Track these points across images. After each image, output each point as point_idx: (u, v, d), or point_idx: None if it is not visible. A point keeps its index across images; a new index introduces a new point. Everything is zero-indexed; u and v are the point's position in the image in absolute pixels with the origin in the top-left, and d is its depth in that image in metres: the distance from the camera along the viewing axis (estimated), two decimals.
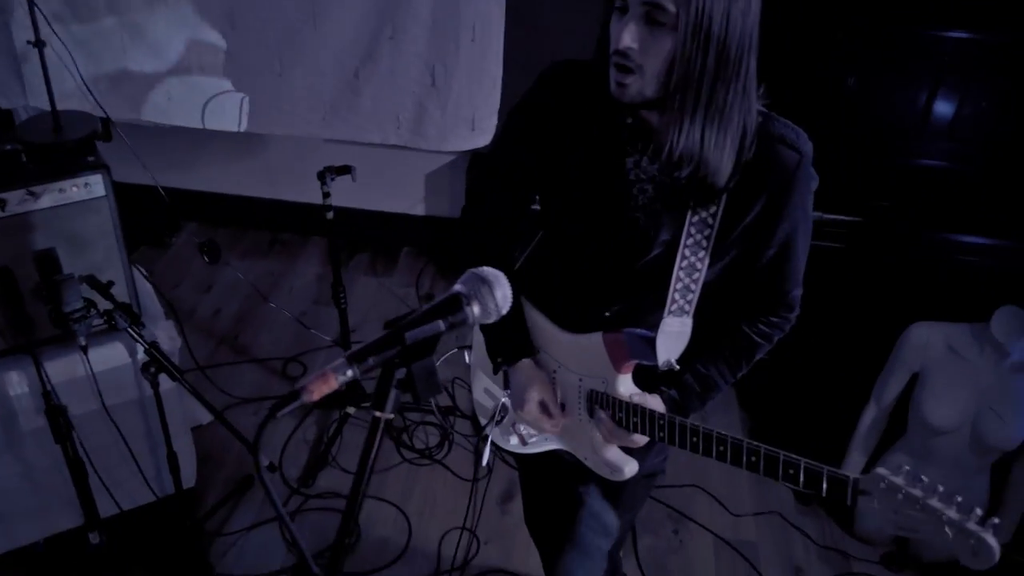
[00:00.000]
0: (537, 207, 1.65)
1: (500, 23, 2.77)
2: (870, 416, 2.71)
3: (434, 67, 2.88)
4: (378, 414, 0.99)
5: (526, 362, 1.66)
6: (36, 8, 2.26)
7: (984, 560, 1.09)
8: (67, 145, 2.25)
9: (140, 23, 2.97)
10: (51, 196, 2.16)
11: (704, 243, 1.44)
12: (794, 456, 1.29)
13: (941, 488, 1.14)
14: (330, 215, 2.84)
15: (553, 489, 1.80)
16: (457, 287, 1.05)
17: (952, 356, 2.47)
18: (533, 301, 1.68)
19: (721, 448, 1.38)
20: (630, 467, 1.61)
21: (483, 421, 1.87)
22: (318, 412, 3.26)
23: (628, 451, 1.63)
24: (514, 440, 1.80)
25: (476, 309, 1.03)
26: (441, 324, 0.99)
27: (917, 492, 1.15)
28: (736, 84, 1.30)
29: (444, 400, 3.27)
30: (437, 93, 2.93)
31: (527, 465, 1.95)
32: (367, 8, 2.82)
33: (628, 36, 1.27)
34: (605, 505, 1.77)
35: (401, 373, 0.98)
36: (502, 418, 1.79)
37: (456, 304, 1.02)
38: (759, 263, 1.51)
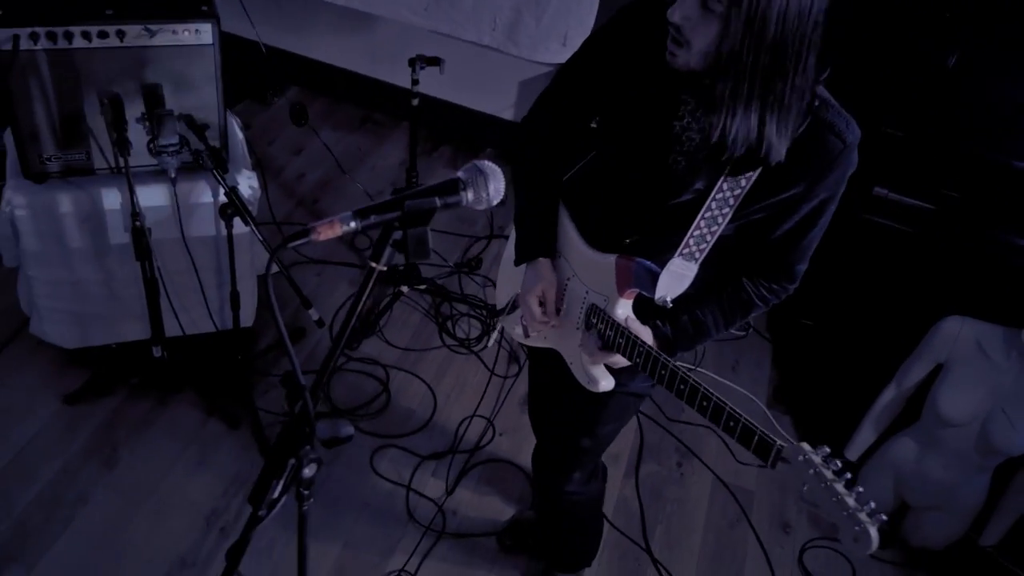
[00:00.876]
0: (595, 126, 1.76)
1: None
2: (888, 396, 2.77)
3: None
4: (373, 264, 1.15)
5: (544, 261, 1.79)
6: None
7: (862, 547, 1.20)
8: None
9: None
10: (164, 36, 2.34)
11: (731, 201, 1.52)
12: (739, 412, 1.40)
13: (848, 475, 1.25)
14: (415, 102, 2.98)
15: (551, 382, 1.95)
16: (459, 173, 1.19)
17: (979, 354, 2.50)
18: (570, 212, 1.80)
19: (682, 387, 1.50)
20: (605, 382, 1.74)
21: (500, 307, 2.03)
22: (376, 286, 3.46)
23: (612, 371, 1.75)
24: (518, 330, 1.95)
25: (470, 195, 1.18)
26: (437, 200, 1.14)
27: (827, 472, 1.25)
28: (795, 77, 1.35)
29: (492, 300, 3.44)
30: (536, 3, 2.98)
31: (535, 356, 2.10)
32: None
33: (678, 13, 1.34)
34: (592, 408, 1.91)
35: (398, 235, 1.13)
36: (514, 308, 1.94)
37: (453, 187, 1.17)
38: (776, 233, 1.59)
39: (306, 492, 1.19)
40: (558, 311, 1.82)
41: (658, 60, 1.48)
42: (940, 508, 2.68)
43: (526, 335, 1.93)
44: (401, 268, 3.42)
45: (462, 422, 3.00)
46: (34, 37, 2.22)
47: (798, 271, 1.66)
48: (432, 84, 3.69)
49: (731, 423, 1.42)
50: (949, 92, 2.84)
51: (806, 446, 1.29)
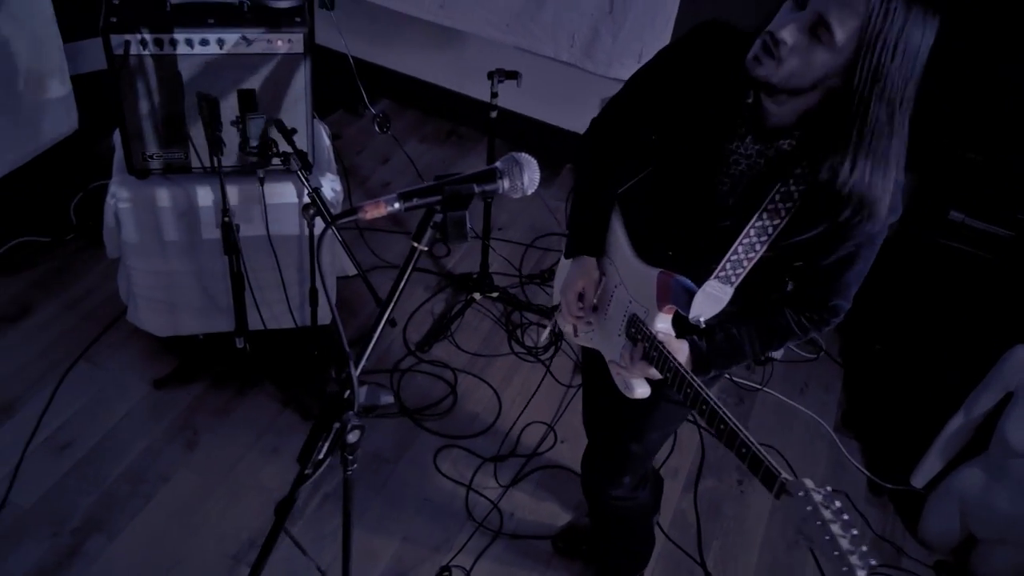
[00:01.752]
0: (654, 138, 1.81)
1: None
2: (956, 424, 2.71)
3: None
4: (415, 244, 1.24)
5: (589, 259, 1.86)
6: None
7: None
8: (282, 4, 2.57)
9: None
10: (260, 45, 2.50)
11: (770, 230, 1.55)
12: (752, 440, 1.43)
13: (846, 517, 1.27)
14: (494, 114, 3.08)
15: (601, 384, 2.00)
16: (497, 164, 1.27)
17: None
18: (624, 220, 1.86)
19: (704, 407, 1.54)
20: (641, 390, 1.78)
21: (555, 303, 2.09)
22: (449, 291, 3.58)
23: (651, 381, 1.79)
24: (568, 328, 2.02)
25: (506, 183, 1.26)
26: (475, 187, 1.23)
27: (824, 512, 1.27)
28: (901, 133, 1.38)
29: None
30: (612, 21, 3.06)
31: (587, 358, 2.16)
32: None
33: (788, 32, 1.34)
34: (638, 413, 1.95)
35: (438, 218, 1.21)
36: None
37: (491, 175, 1.26)
38: (813, 268, 1.61)
39: (350, 457, 1.27)
40: (595, 309, 1.88)
41: (723, 83, 1.53)
42: (1007, 541, 2.60)
43: (575, 333, 2.00)
44: (475, 276, 3.53)
45: (525, 427, 3.06)
46: (143, 43, 2.41)
47: (838, 306, 1.67)
48: (513, 99, 3.79)
49: (743, 450, 1.46)
50: None
51: (808, 482, 1.31)
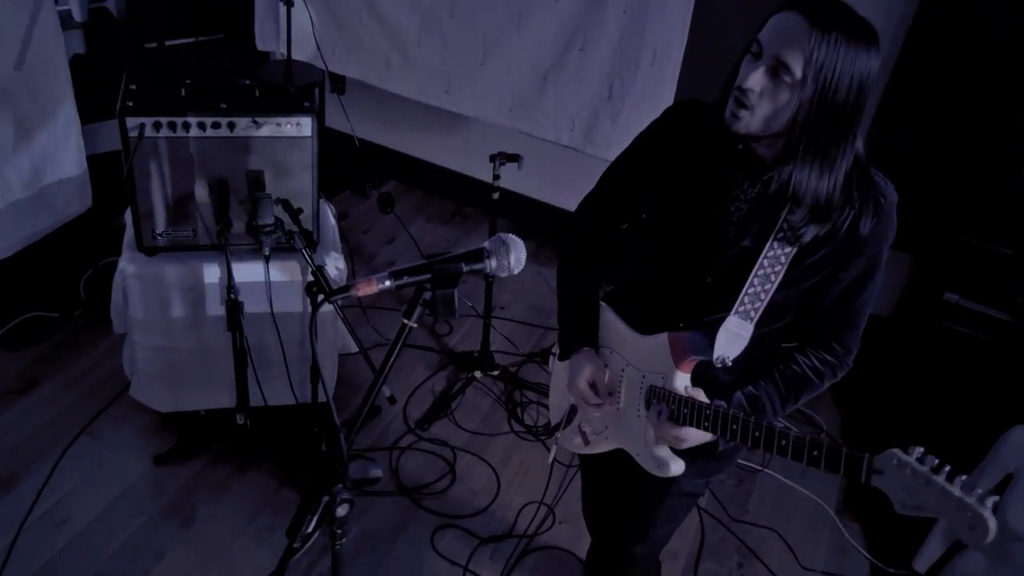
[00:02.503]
0: (641, 217, 1.86)
1: (680, 52, 2.96)
2: None
3: (613, 82, 3.11)
4: (405, 321, 1.28)
5: (587, 350, 1.87)
6: None
7: (979, 535, 1.14)
8: (292, 89, 2.68)
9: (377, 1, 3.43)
10: (269, 128, 2.60)
11: (783, 259, 1.59)
12: (819, 439, 1.40)
13: (948, 467, 1.21)
14: (496, 195, 3.16)
15: (605, 489, 1.99)
16: (485, 244, 1.32)
17: None
18: (615, 306, 1.88)
19: (756, 434, 1.49)
20: (676, 465, 1.74)
21: (554, 422, 2.09)
22: (451, 369, 3.60)
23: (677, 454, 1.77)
24: (577, 440, 1.99)
25: (493, 263, 1.31)
26: (463, 266, 1.28)
27: (924, 468, 1.21)
28: (846, 144, 1.49)
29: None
30: (611, 106, 3.17)
31: (588, 463, 2.15)
32: (565, 21, 3.10)
33: (753, 80, 1.46)
34: (646, 512, 1.94)
35: (428, 295, 1.25)
36: (570, 420, 2.01)
37: (479, 255, 1.31)
38: (827, 299, 1.64)
39: (339, 531, 1.29)
40: (611, 394, 1.86)
41: (706, 144, 1.61)
42: None
43: (585, 442, 1.97)
44: (476, 354, 3.56)
45: (522, 508, 3.04)
46: (157, 126, 2.51)
47: (847, 340, 1.69)
48: (516, 180, 3.89)
49: (814, 452, 1.40)
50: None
51: (896, 450, 1.27)
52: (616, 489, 1.90)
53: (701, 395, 1.65)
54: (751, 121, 1.49)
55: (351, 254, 4.04)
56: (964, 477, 1.19)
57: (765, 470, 3.29)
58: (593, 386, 1.85)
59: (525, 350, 3.75)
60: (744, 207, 1.60)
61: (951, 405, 2.87)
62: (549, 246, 4.40)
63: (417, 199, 4.69)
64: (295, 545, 1.27)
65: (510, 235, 1.36)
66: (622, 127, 3.17)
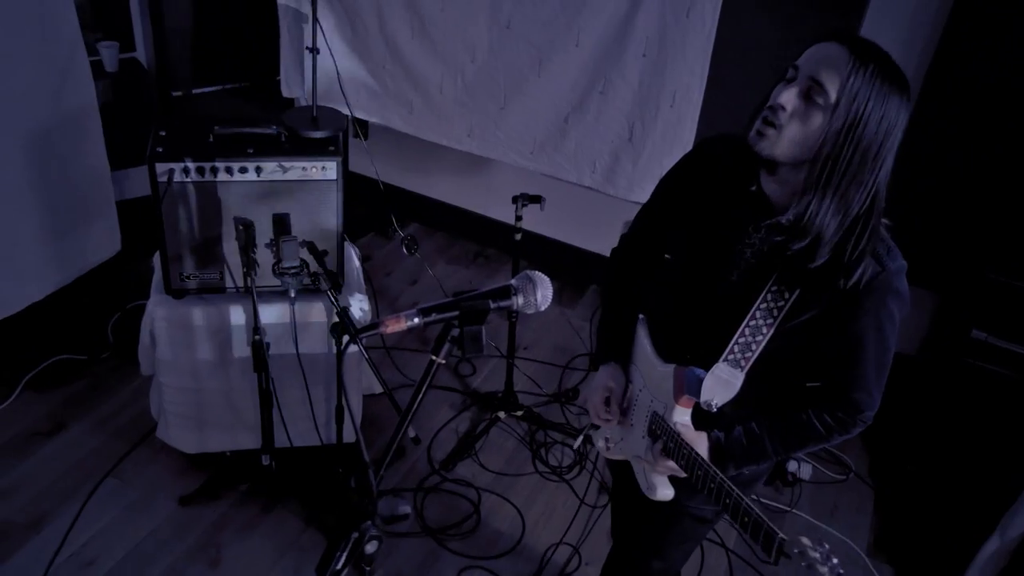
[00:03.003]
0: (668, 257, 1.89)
1: (699, 95, 3.00)
2: (992, 547, 2.63)
3: (634, 124, 3.15)
4: (433, 358, 1.29)
5: (613, 364, 1.92)
6: (317, 22, 2.81)
7: None
8: (317, 135, 2.73)
9: (401, 46, 3.49)
10: (295, 172, 2.64)
11: (775, 313, 1.59)
12: (752, 509, 1.43)
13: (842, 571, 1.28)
14: (518, 237, 3.19)
15: (627, 499, 2.00)
16: (512, 281, 1.34)
17: None
18: (649, 328, 1.90)
19: (711, 486, 1.54)
20: (663, 491, 1.79)
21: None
22: (475, 409, 3.61)
23: (674, 482, 1.80)
24: (601, 443, 2.04)
25: (520, 299, 1.33)
26: (491, 303, 1.29)
27: (822, 569, 1.28)
28: (864, 190, 1.47)
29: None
30: (632, 148, 3.20)
31: (616, 471, 2.17)
32: (586, 64, 3.15)
33: (785, 97, 1.47)
34: (660, 529, 1.96)
35: (455, 332, 1.27)
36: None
37: (506, 292, 1.32)
38: (826, 361, 1.64)
39: (367, 568, 1.29)
40: (624, 412, 1.91)
41: (726, 184, 1.63)
42: None
43: (607, 448, 2.01)
44: (499, 395, 3.56)
45: (549, 548, 3.02)
46: (185, 171, 2.56)
47: (859, 401, 1.65)
48: (538, 222, 3.92)
49: (745, 519, 1.44)
50: None
51: (805, 540, 1.34)
52: (634, 503, 1.92)
53: (690, 434, 1.69)
54: (777, 142, 1.48)
55: (375, 295, 4.07)
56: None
57: (793, 511, 3.25)
58: (609, 400, 1.89)
59: (549, 390, 3.75)
60: (748, 252, 1.62)
61: (981, 443, 2.83)
62: (572, 287, 4.42)
63: (440, 241, 4.73)
64: None
65: (536, 272, 1.38)
66: (643, 169, 3.20)
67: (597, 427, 2.05)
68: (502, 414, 3.54)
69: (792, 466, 3.40)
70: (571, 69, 3.17)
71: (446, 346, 1.30)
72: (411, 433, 2.94)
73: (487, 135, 3.51)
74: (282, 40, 3.66)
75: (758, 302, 1.60)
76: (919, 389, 3.09)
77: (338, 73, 3.29)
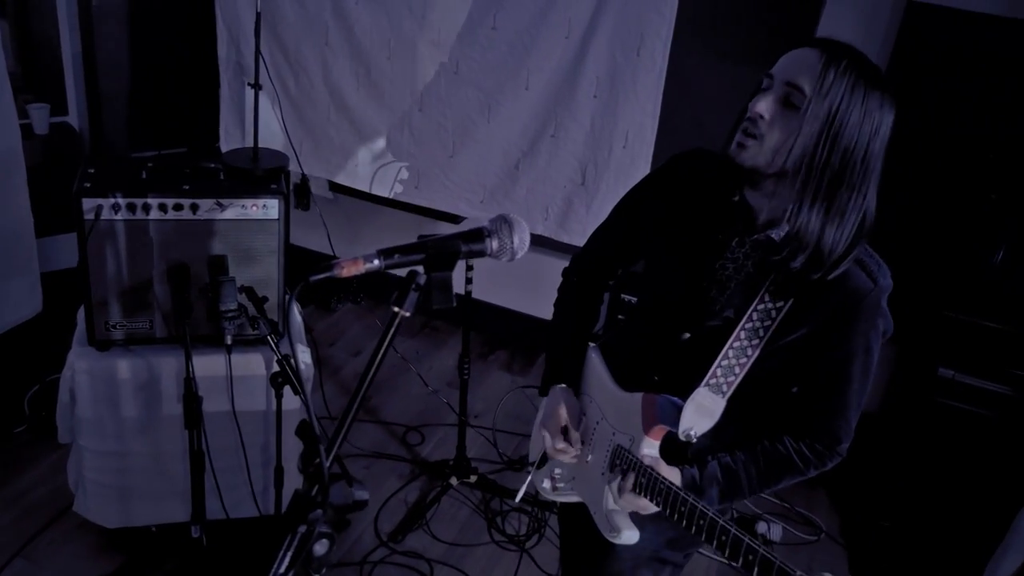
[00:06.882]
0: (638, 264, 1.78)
1: (652, 134, 2.96)
2: None
3: (586, 167, 3.09)
4: (396, 309, 1.13)
5: (564, 387, 1.77)
6: (260, 55, 2.71)
7: None
8: (257, 172, 2.60)
9: (346, 96, 3.42)
10: (234, 210, 2.49)
11: (762, 332, 1.49)
12: (757, 544, 1.28)
13: None
14: (469, 287, 3.05)
15: (581, 542, 1.83)
16: (484, 223, 1.20)
17: None
18: (605, 354, 1.78)
19: (701, 522, 1.38)
20: (628, 533, 1.60)
21: (531, 459, 1.95)
22: (424, 478, 3.38)
23: (638, 522, 1.63)
24: (546, 483, 1.86)
25: (494, 243, 1.19)
26: (461, 245, 1.14)
27: None
28: (858, 195, 1.39)
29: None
30: (585, 191, 3.13)
31: (566, 515, 1.99)
32: (536, 108, 3.11)
33: (763, 106, 1.41)
34: (620, 574, 1.77)
35: (422, 279, 1.11)
36: (543, 461, 1.87)
37: (479, 234, 1.18)
38: (810, 384, 1.55)
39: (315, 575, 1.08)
40: (583, 444, 1.74)
41: (704, 196, 1.55)
42: None
43: (553, 488, 1.84)
44: (451, 464, 3.35)
45: None
46: (115, 208, 2.38)
47: (836, 429, 1.56)
48: (489, 291, 3.80)
49: (749, 556, 1.29)
50: (1001, 279, 2.84)
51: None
52: (592, 544, 1.72)
53: (663, 468, 1.54)
54: (759, 152, 1.42)
55: (319, 363, 3.86)
56: None
57: None
58: (566, 430, 1.72)
59: (505, 457, 3.55)
60: (730, 267, 1.54)
61: (956, 488, 2.72)
62: (523, 356, 4.28)
63: (386, 311, 4.56)
64: None
65: (512, 215, 1.24)
66: (596, 213, 3.12)
67: (541, 463, 1.87)
68: (454, 480, 3.32)
69: (762, 527, 3.26)
70: (522, 113, 3.13)
71: (411, 295, 1.14)
72: (360, 495, 2.71)
73: (436, 185, 3.43)
74: (222, 94, 3.56)
75: (743, 321, 1.50)
76: (887, 440, 2.99)
77: (284, 125, 3.18)
